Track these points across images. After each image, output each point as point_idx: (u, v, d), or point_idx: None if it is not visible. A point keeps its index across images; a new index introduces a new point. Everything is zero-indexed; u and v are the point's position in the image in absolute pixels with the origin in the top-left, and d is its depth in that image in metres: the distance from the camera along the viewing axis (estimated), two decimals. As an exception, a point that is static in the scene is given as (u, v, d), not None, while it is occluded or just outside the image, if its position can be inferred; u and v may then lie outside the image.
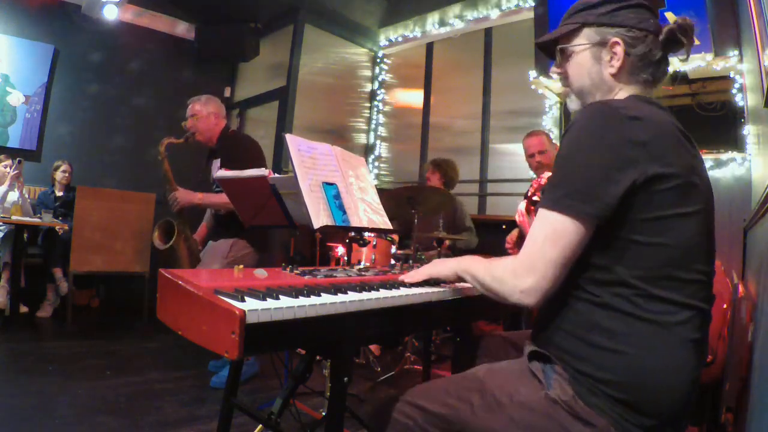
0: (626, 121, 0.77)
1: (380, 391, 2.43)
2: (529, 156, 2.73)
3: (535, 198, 2.03)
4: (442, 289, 1.05)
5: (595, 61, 0.91)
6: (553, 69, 1.01)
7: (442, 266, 1.06)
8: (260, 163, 2.41)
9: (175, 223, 2.41)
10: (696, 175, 0.81)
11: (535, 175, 2.91)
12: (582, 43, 0.92)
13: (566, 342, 0.82)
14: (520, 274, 0.81)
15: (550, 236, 0.79)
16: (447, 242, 2.96)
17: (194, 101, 2.52)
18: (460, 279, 1.02)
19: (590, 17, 0.91)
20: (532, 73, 3.48)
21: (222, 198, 2.33)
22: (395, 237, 3.16)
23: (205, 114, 2.49)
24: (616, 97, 0.91)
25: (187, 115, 2.52)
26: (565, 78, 0.98)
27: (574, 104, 0.99)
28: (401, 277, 1.08)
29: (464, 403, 0.85)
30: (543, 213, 0.81)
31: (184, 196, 2.39)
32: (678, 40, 0.87)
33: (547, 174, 2.22)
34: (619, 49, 0.88)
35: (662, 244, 0.77)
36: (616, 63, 0.88)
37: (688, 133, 0.85)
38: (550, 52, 1.00)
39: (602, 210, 0.76)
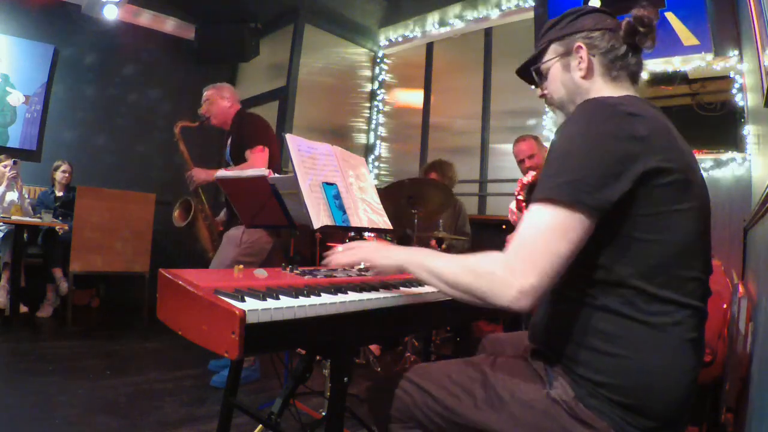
0: (625, 116, 0.77)
1: (380, 391, 2.43)
2: (519, 162, 2.80)
3: (519, 197, 2.05)
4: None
5: (565, 70, 0.96)
6: (538, 93, 1.05)
7: (380, 254, 0.93)
8: (267, 140, 2.44)
9: (193, 201, 2.48)
10: (692, 172, 0.80)
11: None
12: (550, 58, 0.97)
13: (564, 346, 0.82)
14: (520, 270, 0.71)
15: (555, 229, 0.72)
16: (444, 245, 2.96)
17: (209, 87, 2.63)
18: (402, 272, 0.91)
19: (553, 34, 0.97)
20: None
21: (236, 172, 2.38)
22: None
23: (218, 98, 2.58)
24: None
25: (202, 101, 2.61)
26: (548, 96, 1.02)
27: (560, 118, 1.02)
28: (326, 260, 1.01)
29: (467, 395, 0.86)
30: (541, 206, 0.75)
31: (199, 174, 2.49)
32: (637, 31, 0.88)
33: (532, 173, 2.25)
34: (583, 52, 0.92)
35: (661, 240, 0.76)
36: (583, 65, 0.92)
37: (681, 133, 0.85)
38: (529, 78, 1.06)
39: (604, 204, 0.73)
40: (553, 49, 0.97)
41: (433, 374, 0.92)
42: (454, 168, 3.33)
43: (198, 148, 2.74)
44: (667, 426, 0.77)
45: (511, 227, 2.50)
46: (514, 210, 2.06)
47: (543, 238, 0.72)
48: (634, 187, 0.74)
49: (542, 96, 1.04)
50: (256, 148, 2.38)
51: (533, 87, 1.07)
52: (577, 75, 0.93)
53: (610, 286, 0.78)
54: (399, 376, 0.94)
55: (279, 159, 2.54)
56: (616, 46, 0.90)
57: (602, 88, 0.92)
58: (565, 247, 0.71)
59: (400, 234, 3.30)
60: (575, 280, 0.81)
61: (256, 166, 2.35)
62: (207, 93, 2.61)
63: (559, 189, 0.73)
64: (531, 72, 1.03)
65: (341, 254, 0.99)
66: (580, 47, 0.92)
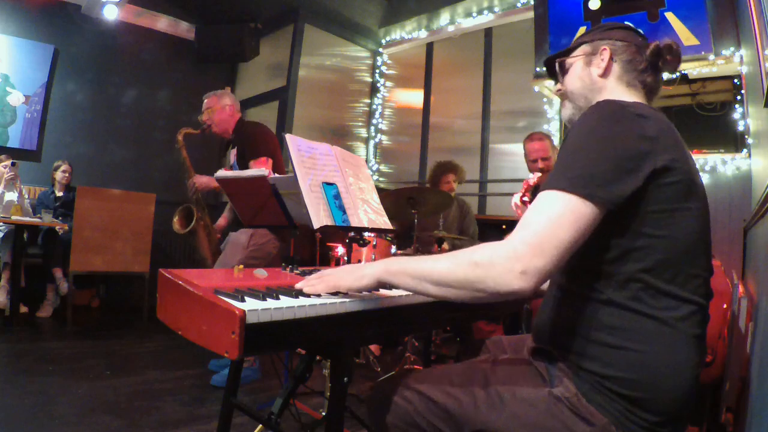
0: (635, 117, 0.79)
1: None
2: (531, 161, 2.55)
3: (525, 199, 2.05)
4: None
5: (585, 66, 1.02)
6: (554, 88, 1.12)
7: (353, 274, 0.86)
8: (271, 150, 2.44)
9: (194, 208, 2.50)
10: (695, 174, 0.83)
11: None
12: (577, 55, 1.04)
13: (570, 340, 0.83)
14: (524, 254, 0.71)
15: (565, 216, 0.72)
16: (446, 245, 2.96)
17: (209, 95, 2.60)
18: (384, 287, 0.90)
19: (586, 37, 1.05)
20: (532, 74, 3.48)
21: (236, 172, 2.38)
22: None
23: (219, 107, 2.56)
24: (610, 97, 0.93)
25: (202, 109, 2.59)
26: (562, 91, 1.08)
27: (567, 111, 1.07)
28: (298, 285, 0.88)
29: (467, 397, 0.86)
30: (552, 194, 0.75)
31: (201, 181, 2.50)
32: (662, 56, 0.95)
33: (537, 174, 2.23)
34: (606, 54, 0.98)
35: (668, 236, 0.78)
36: (603, 64, 0.98)
37: (681, 135, 0.87)
38: (552, 71, 1.11)
39: (616, 198, 0.74)
40: (582, 49, 1.03)
41: (433, 379, 0.92)
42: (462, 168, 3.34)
43: (199, 154, 2.74)
44: (669, 422, 0.77)
45: (511, 227, 2.50)
46: (519, 204, 2.03)
47: (552, 225, 0.72)
48: (645, 184, 0.76)
49: (558, 91, 1.10)
50: (259, 159, 2.38)
51: (554, 83, 1.13)
52: (596, 72, 0.99)
53: (617, 281, 0.79)
54: (398, 383, 0.94)
55: (284, 168, 2.52)
56: (637, 59, 0.97)
57: (614, 89, 0.97)
58: (572, 235, 0.72)
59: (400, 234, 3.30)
60: (582, 275, 0.82)
61: None
62: (208, 101, 2.57)
63: (574, 181, 0.74)
64: (555, 65, 1.09)
65: (314, 284, 0.88)
66: (604, 49, 0.98)
